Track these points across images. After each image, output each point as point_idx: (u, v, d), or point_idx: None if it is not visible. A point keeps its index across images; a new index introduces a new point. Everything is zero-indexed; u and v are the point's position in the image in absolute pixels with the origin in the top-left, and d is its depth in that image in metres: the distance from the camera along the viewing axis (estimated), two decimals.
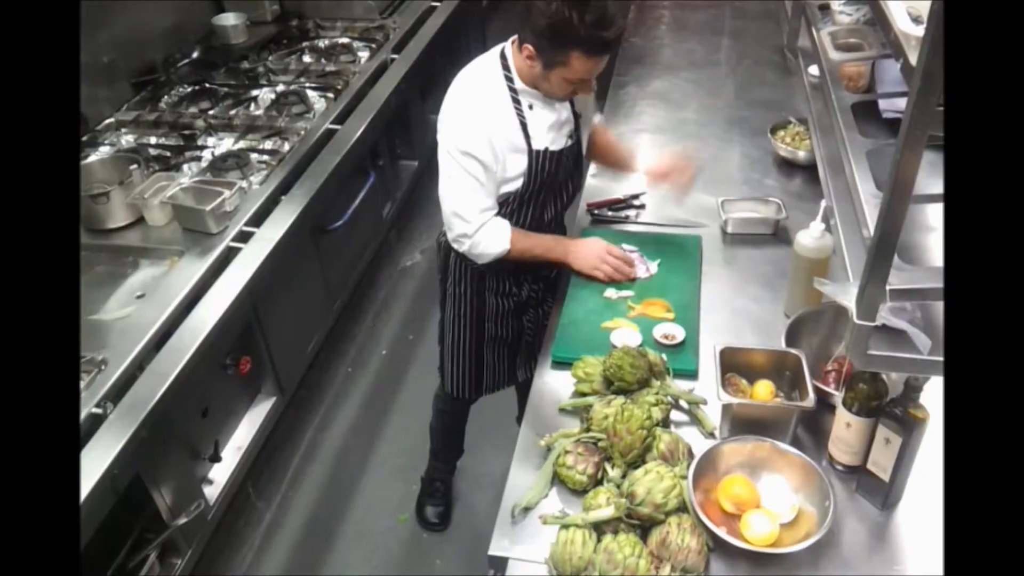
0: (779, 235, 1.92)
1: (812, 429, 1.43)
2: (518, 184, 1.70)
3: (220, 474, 2.10)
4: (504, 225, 1.71)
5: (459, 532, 2.34)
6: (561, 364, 1.61)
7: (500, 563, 1.30)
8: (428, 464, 2.38)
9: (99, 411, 1.64)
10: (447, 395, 2.07)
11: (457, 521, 2.37)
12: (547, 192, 1.76)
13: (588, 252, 1.79)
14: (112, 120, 2.63)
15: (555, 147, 1.69)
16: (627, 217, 2.03)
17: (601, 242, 1.81)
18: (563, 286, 1.83)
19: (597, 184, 2.18)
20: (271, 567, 2.28)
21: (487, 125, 1.61)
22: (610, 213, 2.05)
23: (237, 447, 2.17)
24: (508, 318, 1.91)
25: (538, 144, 1.67)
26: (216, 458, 2.07)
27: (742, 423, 1.38)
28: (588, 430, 1.41)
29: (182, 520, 1.85)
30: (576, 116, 1.75)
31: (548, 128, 1.67)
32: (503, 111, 1.63)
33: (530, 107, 1.65)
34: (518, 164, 1.67)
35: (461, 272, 1.85)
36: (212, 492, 2.05)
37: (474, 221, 1.67)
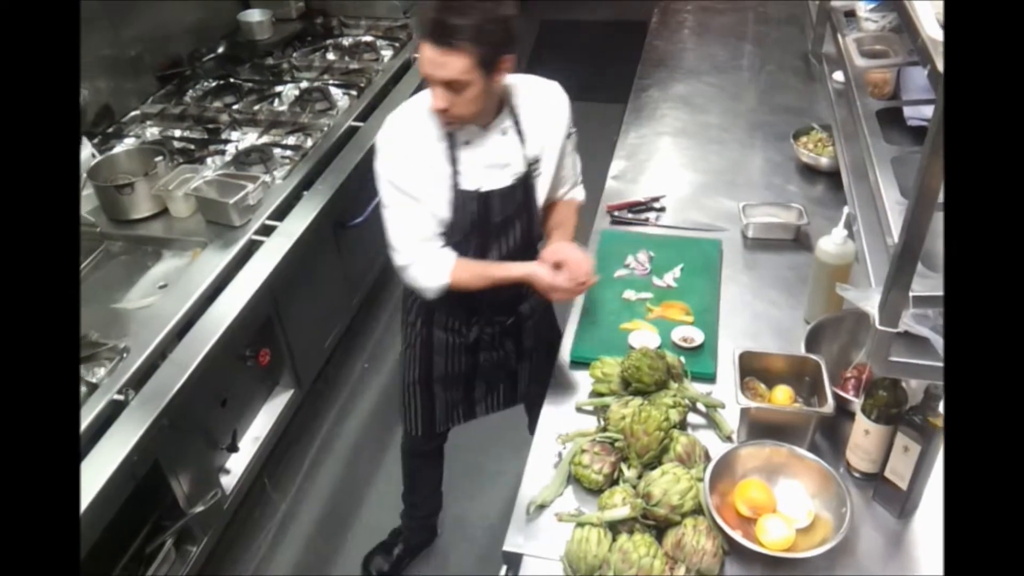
0: (800, 241, 1.92)
1: (830, 436, 1.42)
2: (447, 223, 1.58)
3: (237, 464, 2.12)
4: (445, 258, 1.58)
5: (472, 529, 2.35)
6: (579, 364, 1.61)
7: (514, 559, 1.30)
8: (402, 511, 2.24)
9: (120, 398, 1.66)
10: (405, 433, 1.99)
11: (471, 518, 2.37)
12: (482, 234, 1.61)
13: (544, 284, 1.56)
14: (138, 112, 2.67)
15: (487, 187, 1.56)
16: (647, 220, 2.03)
17: (559, 277, 1.54)
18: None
19: (617, 186, 2.19)
20: (285, 558, 2.29)
21: (416, 158, 1.53)
22: (630, 215, 2.05)
23: (255, 438, 2.19)
24: (459, 354, 1.80)
25: (467, 183, 1.55)
26: (234, 448, 2.09)
27: (760, 427, 1.38)
28: (605, 430, 1.41)
29: (199, 508, 1.87)
30: (531, 161, 1.59)
31: (484, 167, 1.55)
32: (433, 145, 1.53)
33: (466, 143, 1.54)
34: (445, 202, 1.56)
35: (412, 302, 1.79)
36: (229, 482, 2.07)
37: (407, 252, 1.58)
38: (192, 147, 2.49)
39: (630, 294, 1.77)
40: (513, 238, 1.65)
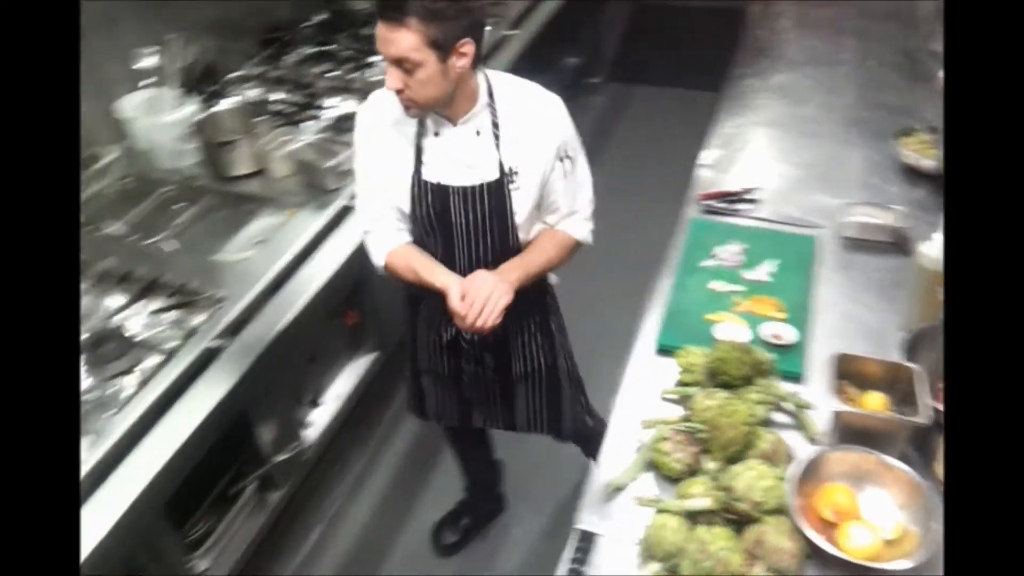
0: (899, 244, 1.86)
1: (921, 448, 1.39)
2: (407, 212, 1.57)
3: (319, 419, 2.19)
4: (389, 240, 1.60)
5: (541, 503, 2.38)
6: (664, 351, 1.61)
7: (587, 538, 1.32)
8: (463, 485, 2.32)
9: (215, 344, 1.74)
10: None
11: (540, 492, 2.40)
12: (445, 233, 1.57)
13: (450, 304, 1.50)
14: (239, 73, 2.75)
15: (447, 182, 1.52)
16: (739, 211, 2.00)
17: (463, 306, 1.48)
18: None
19: (709, 175, 2.16)
20: (361, 510, 2.40)
21: (384, 137, 1.53)
22: (721, 205, 2.02)
23: (337, 395, 2.25)
24: (439, 353, 1.75)
25: (428, 173, 1.52)
26: (316, 403, 2.16)
27: (850, 433, 1.35)
28: (688, 419, 1.41)
29: (281, 457, 1.95)
30: (506, 170, 1.52)
31: (449, 161, 1.51)
32: (403, 129, 1.52)
33: (435, 134, 1.50)
34: (405, 189, 1.54)
35: (406, 285, 1.72)
36: (311, 435, 2.14)
37: (365, 221, 1.62)
38: (291, 110, 2.56)
39: (718, 285, 1.74)
40: (483, 248, 1.58)
